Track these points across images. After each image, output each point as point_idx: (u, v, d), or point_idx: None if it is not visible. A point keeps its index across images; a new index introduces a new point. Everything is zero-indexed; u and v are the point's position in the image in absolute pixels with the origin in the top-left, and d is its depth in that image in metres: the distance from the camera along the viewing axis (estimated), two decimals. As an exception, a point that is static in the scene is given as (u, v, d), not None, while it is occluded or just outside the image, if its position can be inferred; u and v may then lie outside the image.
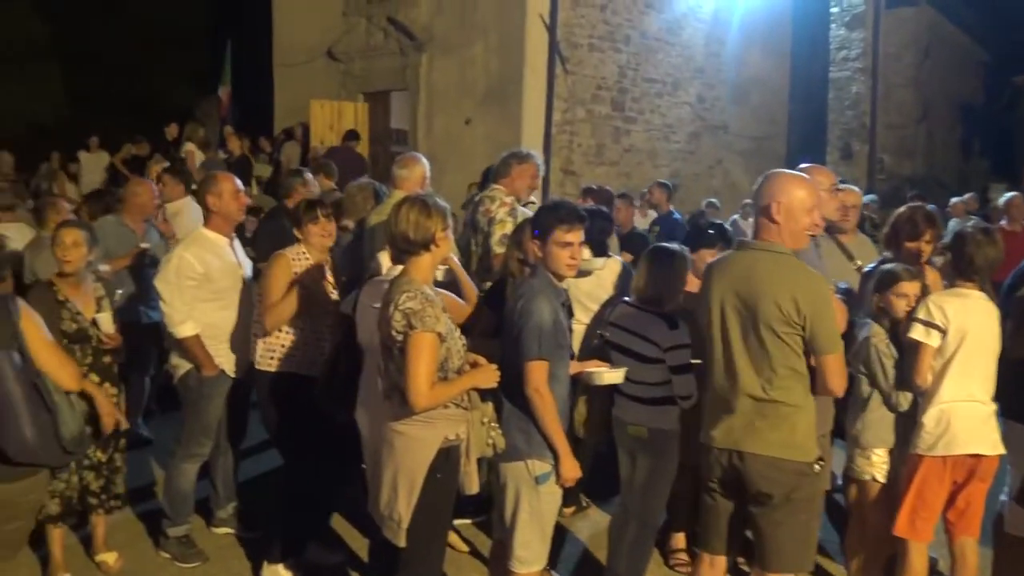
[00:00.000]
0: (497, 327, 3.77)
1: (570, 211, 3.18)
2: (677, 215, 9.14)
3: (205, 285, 4.19)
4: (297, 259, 4.07)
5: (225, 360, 4.30)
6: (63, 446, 2.97)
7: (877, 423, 3.69)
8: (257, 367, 4.10)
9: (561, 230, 3.10)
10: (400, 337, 2.83)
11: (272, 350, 4.04)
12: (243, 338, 4.33)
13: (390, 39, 13.07)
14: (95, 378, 3.91)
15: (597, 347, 3.86)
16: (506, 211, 4.68)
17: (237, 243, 4.52)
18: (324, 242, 4.15)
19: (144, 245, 5.51)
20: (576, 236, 3.13)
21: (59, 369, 3.10)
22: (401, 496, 2.90)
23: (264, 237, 5.69)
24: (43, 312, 3.74)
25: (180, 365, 4.31)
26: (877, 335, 3.68)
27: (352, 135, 11.49)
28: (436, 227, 2.92)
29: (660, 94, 13.61)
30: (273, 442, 4.25)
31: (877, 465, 3.70)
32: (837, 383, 2.97)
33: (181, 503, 4.34)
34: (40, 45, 20.48)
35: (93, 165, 12.48)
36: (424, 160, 4.91)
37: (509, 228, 4.45)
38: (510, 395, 3.11)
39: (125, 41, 21.34)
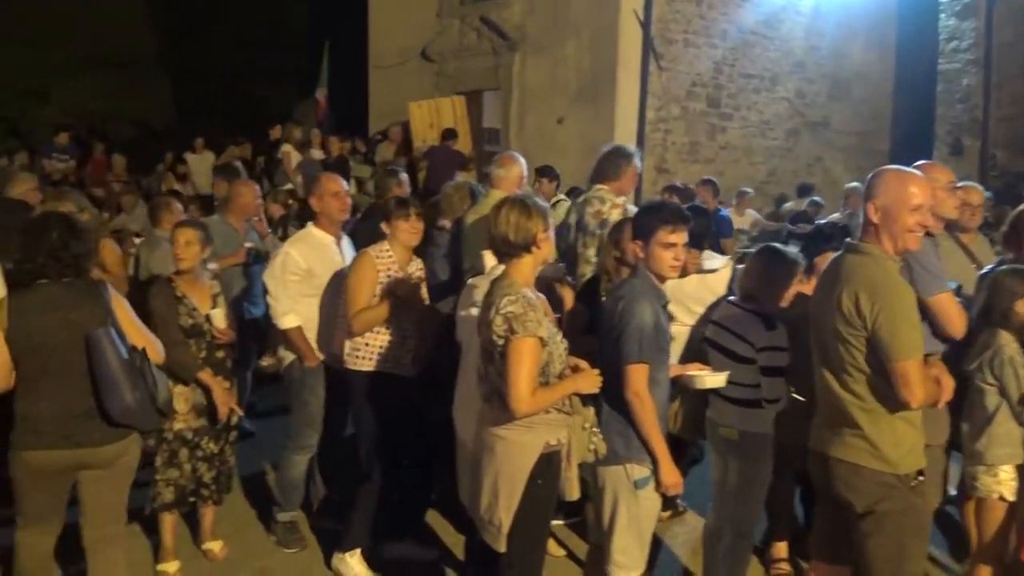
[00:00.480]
0: (589, 323, 3.74)
1: (674, 212, 3.11)
2: (724, 212, 8.91)
3: (308, 281, 4.36)
4: (380, 256, 4.07)
5: (323, 351, 4.43)
6: (159, 409, 3.33)
7: (1004, 438, 3.47)
8: (345, 365, 4.14)
9: (665, 231, 3.04)
10: (501, 341, 2.80)
11: (358, 349, 4.07)
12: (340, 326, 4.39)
13: (483, 39, 13.14)
14: (209, 371, 4.10)
15: (698, 347, 3.76)
16: (619, 212, 4.60)
17: (346, 242, 4.63)
18: (411, 239, 4.16)
19: (248, 244, 5.68)
20: (680, 237, 3.06)
21: (146, 345, 3.41)
22: (502, 501, 2.88)
23: (361, 236, 5.78)
24: (162, 306, 3.99)
25: (285, 356, 4.52)
26: (1009, 343, 3.47)
27: (450, 134, 11.58)
28: (537, 228, 2.89)
29: (757, 90, 13.27)
30: (357, 437, 4.25)
31: (1005, 483, 3.49)
32: (908, 393, 2.68)
33: (292, 491, 4.54)
34: (151, 53, 21.45)
35: (200, 166, 12.91)
36: (522, 159, 4.90)
37: None
38: (608, 397, 3.06)
39: (228, 47, 22.16)
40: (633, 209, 4.68)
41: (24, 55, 19.65)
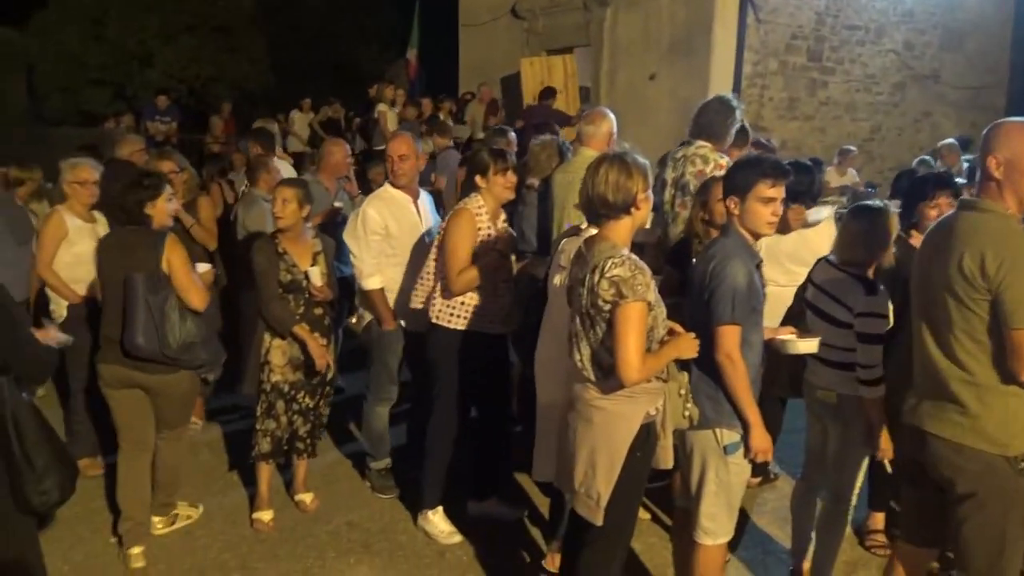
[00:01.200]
0: (681, 286, 3.62)
1: (774, 165, 2.95)
2: None
3: (387, 240, 4.38)
4: (479, 213, 3.98)
5: (402, 315, 4.45)
6: (163, 351, 3.76)
7: None
8: (434, 321, 4.05)
9: (764, 184, 2.89)
10: (608, 307, 2.69)
11: (453, 307, 4.01)
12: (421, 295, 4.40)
13: (574, -5, 12.87)
14: (305, 327, 4.18)
15: (796, 309, 3.60)
16: (723, 173, 4.41)
17: (426, 200, 4.61)
18: (507, 194, 4.06)
19: (337, 204, 5.73)
20: (779, 192, 2.91)
21: (188, 290, 3.88)
22: (600, 474, 2.79)
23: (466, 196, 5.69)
24: (263, 262, 4.15)
25: (364, 315, 4.59)
26: None
27: (549, 92, 11.37)
28: (637, 188, 2.75)
29: (862, 42, 12.59)
30: (435, 394, 4.18)
31: None
32: (1020, 367, 2.48)
33: (379, 441, 4.69)
34: (248, 17, 21.84)
35: (303, 126, 13.07)
36: (611, 115, 4.76)
37: None
38: (698, 360, 2.94)
39: (322, 10, 22.40)
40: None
41: (129, 22, 20.33)
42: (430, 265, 4.12)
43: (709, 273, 2.92)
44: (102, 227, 4.98)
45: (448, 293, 3.98)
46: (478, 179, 4.01)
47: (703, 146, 4.43)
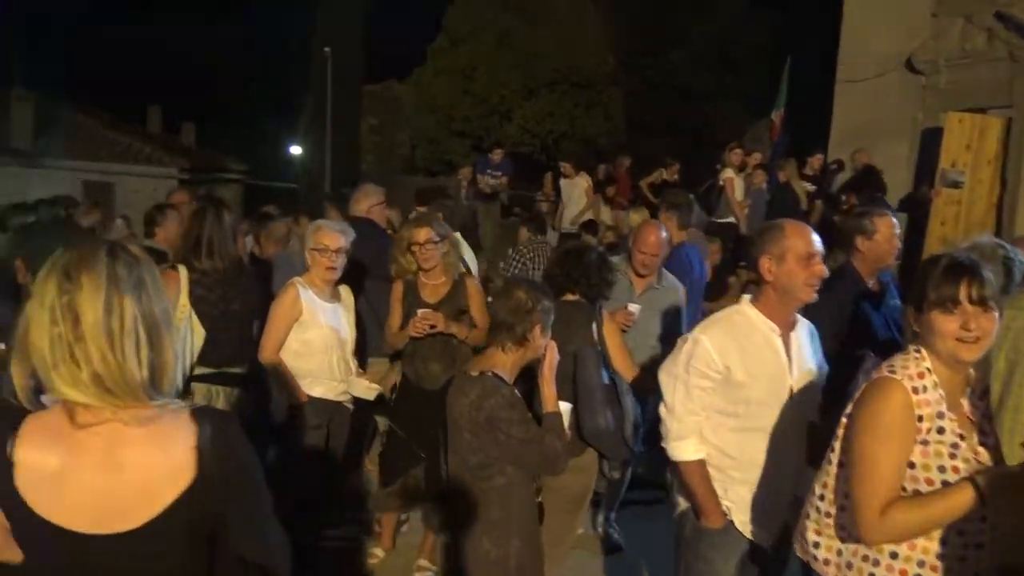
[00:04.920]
0: None
1: None
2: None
3: (725, 391, 2.69)
4: (920, 389, 2.03)
5: (740, 510, 2.75)
6: (625, 440, 3.44)
7: None
8: None
9: None
10: None
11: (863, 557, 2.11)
12: (781, 488, 2.73)
13: (995, 43, 10.15)
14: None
15: None
16: None
17: (803, 329, 2.83)
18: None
19: (633, 307, 4.09)
20: None
21: (625, 369, 3.61)
22: None
23: (827, 310, 3.25)
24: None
25: (679, 501, 2.91)
26: None
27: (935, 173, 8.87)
28: None
29: None
30: None
31: None
32: None
33: None
34: (608, 75, 21.62)
35: (572, 192, 11.12)
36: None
37: None
38: None
39: (685, 69, 21.55)
40: None
41: (495, 78, 21.05)
42: (827, 481, 2.24)
43: None
44: (348, 308, 3.96)
45: (864, 533, 2.05)
46: (912, 322, 2.11)
47: None
